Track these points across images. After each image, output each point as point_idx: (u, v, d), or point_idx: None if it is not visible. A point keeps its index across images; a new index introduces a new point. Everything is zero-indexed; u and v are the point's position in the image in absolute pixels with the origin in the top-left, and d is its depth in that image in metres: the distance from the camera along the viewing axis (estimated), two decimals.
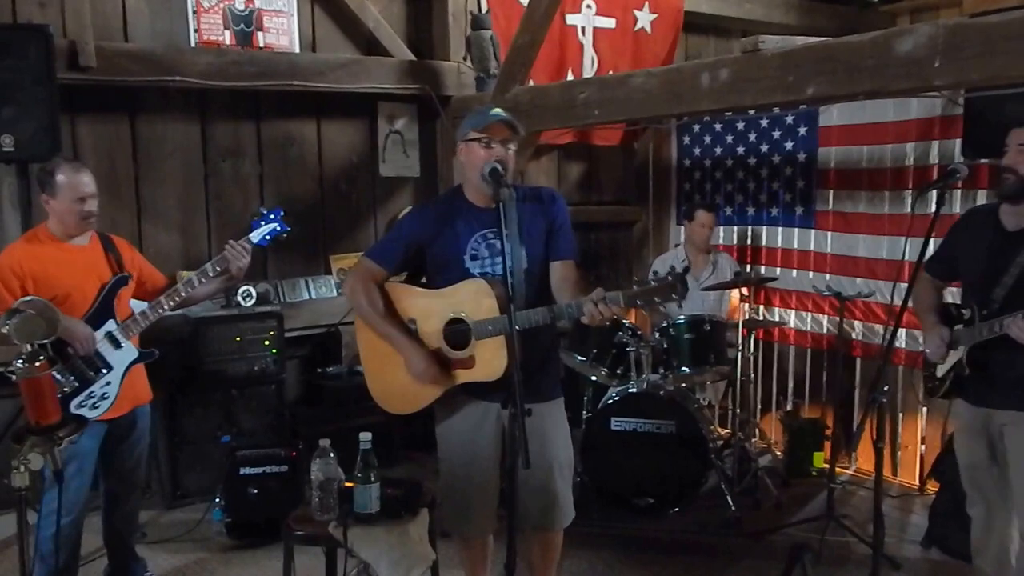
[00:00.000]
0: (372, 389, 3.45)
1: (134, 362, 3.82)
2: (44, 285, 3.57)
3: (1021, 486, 3.29)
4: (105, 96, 5.20)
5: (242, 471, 4.64)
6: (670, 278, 2.89)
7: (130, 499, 4.08)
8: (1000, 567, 3.51)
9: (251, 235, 3.91)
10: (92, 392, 3.68)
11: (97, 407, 3.70)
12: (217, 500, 4.83)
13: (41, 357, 2.51)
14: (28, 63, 4.45)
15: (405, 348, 3.24)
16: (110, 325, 3.76)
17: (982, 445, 3.41)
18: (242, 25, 5.58)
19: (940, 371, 3.46)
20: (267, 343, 5.26)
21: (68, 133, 5.07)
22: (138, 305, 3.92)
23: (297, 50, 5.75)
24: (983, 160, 4.77)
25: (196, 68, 5.25)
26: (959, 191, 4.98)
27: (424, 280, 3.40)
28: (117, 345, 3.76)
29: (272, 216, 3.94)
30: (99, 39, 4.98)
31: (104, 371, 3.72)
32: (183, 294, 3.82)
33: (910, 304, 3.31)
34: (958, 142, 4.96)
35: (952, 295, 3.77)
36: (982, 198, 4.88)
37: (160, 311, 3.81)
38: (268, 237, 3.94)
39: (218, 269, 3.82)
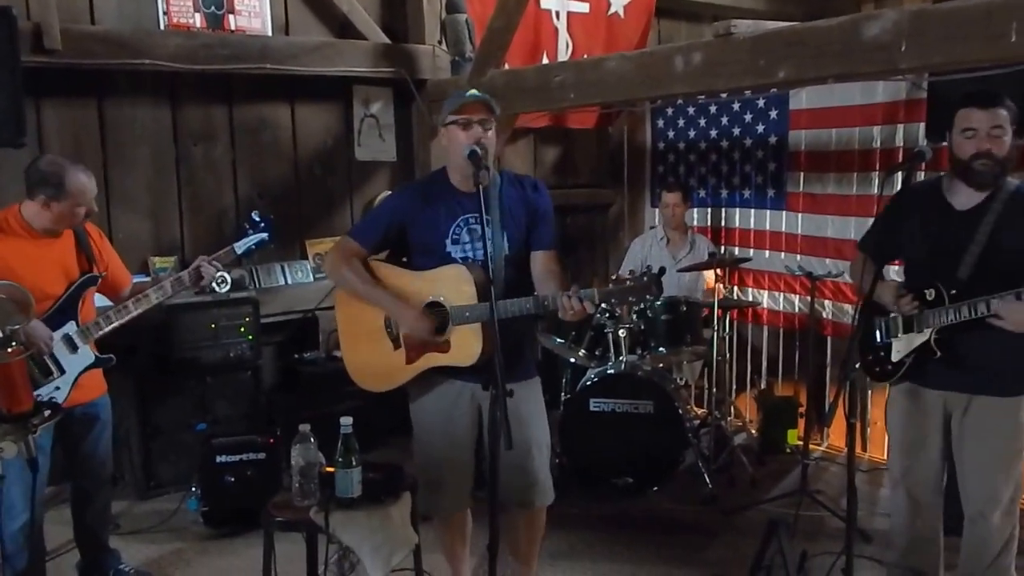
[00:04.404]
0: (349, 366, 3.48)
1: (88, 367, 3.71)
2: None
3: (976, 470, 3.31)
4: (72, 80, 5.09)
5: (218, 459, 4.58)
6: (646, 278, 2.96)
7: (101, 493, 4.01)
8: (919, 556, 3.55)
9: (236, 244, 3.89)
10: (39, 395, 3.49)
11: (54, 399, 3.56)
12: (193, 489, 4.79)
13: (12, 343, 2.47)
14: None
15: (396, 307, 3.27)
16: (70, 327, 3.65)
17: (935, 429, 3.40)
18: (213, 7, 5.49)
19: (896, 355, 3.38)
20: (242, 329, 5.18)
21: (33, 118, 4.96)
22: (100, 300, 3.86)
23: (269, 33, 5.67)
24: (946, 143, 4.81)
25: (166, 51, 5.14)
26: (923, 173, 4.99)
27: (405, 260, 3.42)
28: (73, 348, 3.65)
29: (262, 225, 3.92)
30: (65, 21, 4.85)
31: (55, 375, 3.60)
32: (154, 300, 3.75)
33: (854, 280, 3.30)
34: (922, 125, 5.05)
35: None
36: None
37: (126, 316, 3.72)
38: (254, 246, 3.93)
39: (193, 279, 3.77)
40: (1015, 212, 3.16)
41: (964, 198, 3.25)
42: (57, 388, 3.61)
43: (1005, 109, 3.11)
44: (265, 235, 3.95)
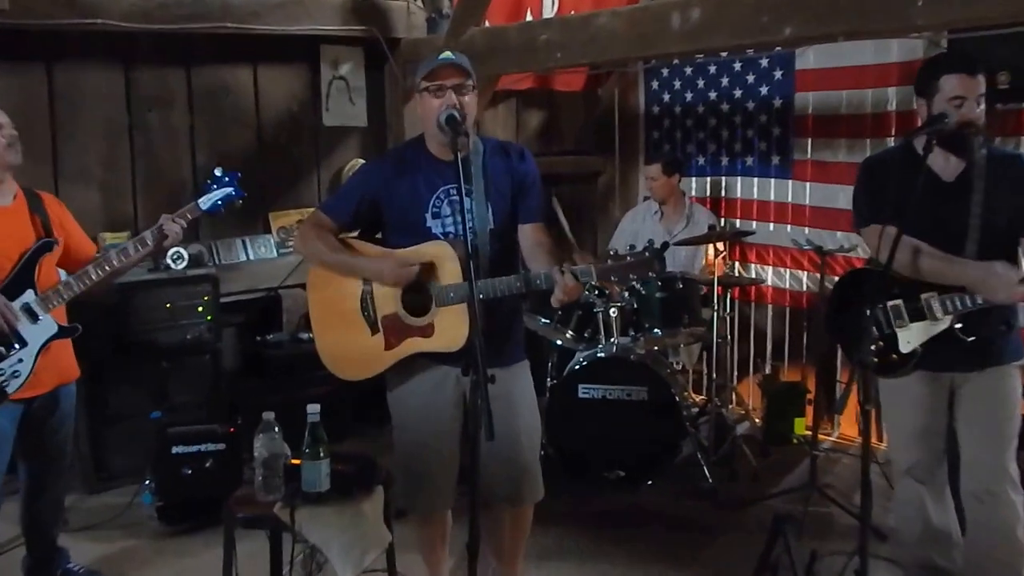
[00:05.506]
0: (323, 353, 3.36)
1: (52, 338, 3.60)
2: None
3: (982, 439, 3.30)
4: (19, 41, 4.96)
5: (174, 450, 4.47)
6: (648, 254, 2.91)
7: (56, 486, 3.93)
8: (938, 550, 3.48)
9: (200, 200, 3.71)
10: (1, 369, 3.46)
11: (6, 385, 3.50)
12: (147, 482, 4.61)
13: None
14: None
15: (374, 265, 3.17)
16: (28, 296, 3.54)
17: (942, 411, 3.39)
18: None
19: (906, 346, 3.29)
20: (201, 309, 5.06)
21: None
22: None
23: None
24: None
25: (119, 10, 4.97)
26: None
27: (379, 236, 3.33)
28: (34, 318, 3.54)
29: (227, 179, 3.74)
30: None
31: (16, 347, 3.49)
32: (115, 264, 3.61)
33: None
34: None
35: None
36: None
37: (86, 282, 3.59)
38: (220, 202, 3.74)
39: (157, 239, 3.62)
40: (999, 177, 3.18)
41: (946, 167, 3.24)
42: (20, 360, 3.51)
43: (983, 74, 3.15)
44: (231, 190, 3.75)
